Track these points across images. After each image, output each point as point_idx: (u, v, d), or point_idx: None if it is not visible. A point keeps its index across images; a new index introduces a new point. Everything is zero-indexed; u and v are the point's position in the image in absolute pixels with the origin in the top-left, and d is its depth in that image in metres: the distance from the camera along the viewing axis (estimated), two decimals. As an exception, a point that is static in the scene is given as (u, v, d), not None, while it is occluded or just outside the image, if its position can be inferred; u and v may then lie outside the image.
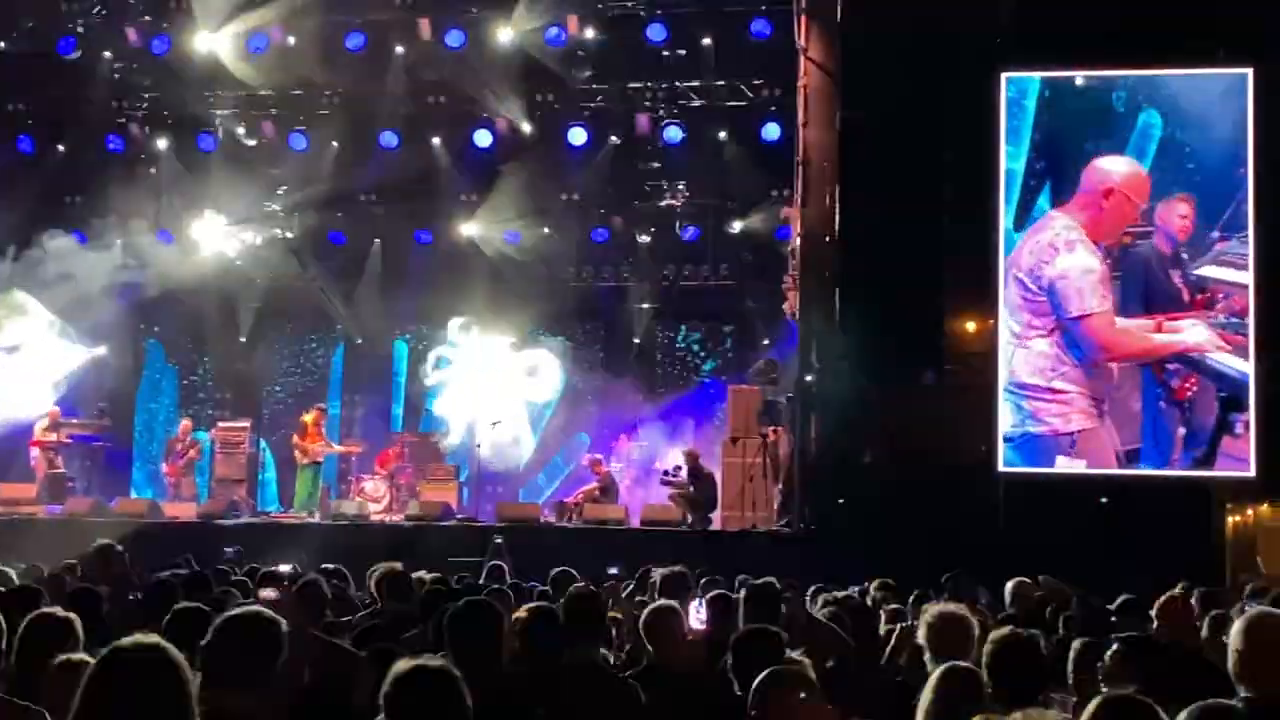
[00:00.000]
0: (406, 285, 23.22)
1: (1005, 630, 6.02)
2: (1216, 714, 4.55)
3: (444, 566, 12.71)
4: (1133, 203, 16.11)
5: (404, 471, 20.97)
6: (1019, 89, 16.64)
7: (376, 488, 20.68)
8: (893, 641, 6.49)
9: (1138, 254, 16.21)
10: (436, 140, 22.15)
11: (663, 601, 6.89)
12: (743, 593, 7.73)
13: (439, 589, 8.79)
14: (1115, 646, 6.35)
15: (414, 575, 9.63)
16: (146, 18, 21.46)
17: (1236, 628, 5.35)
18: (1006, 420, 16.31)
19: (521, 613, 6.57)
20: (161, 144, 22.42)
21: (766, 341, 22.01)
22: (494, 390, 22.15)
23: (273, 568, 11.43)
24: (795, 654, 6.24)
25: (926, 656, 6.06)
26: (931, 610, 6.32)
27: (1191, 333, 16.06)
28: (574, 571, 10.28)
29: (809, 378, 17.54)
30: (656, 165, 22.30)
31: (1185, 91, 16.46)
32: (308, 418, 20.78)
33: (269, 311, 23.73)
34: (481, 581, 11.19)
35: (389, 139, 21.79)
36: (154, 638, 4.09)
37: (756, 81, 20.70)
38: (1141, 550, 15.28)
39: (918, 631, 6.37)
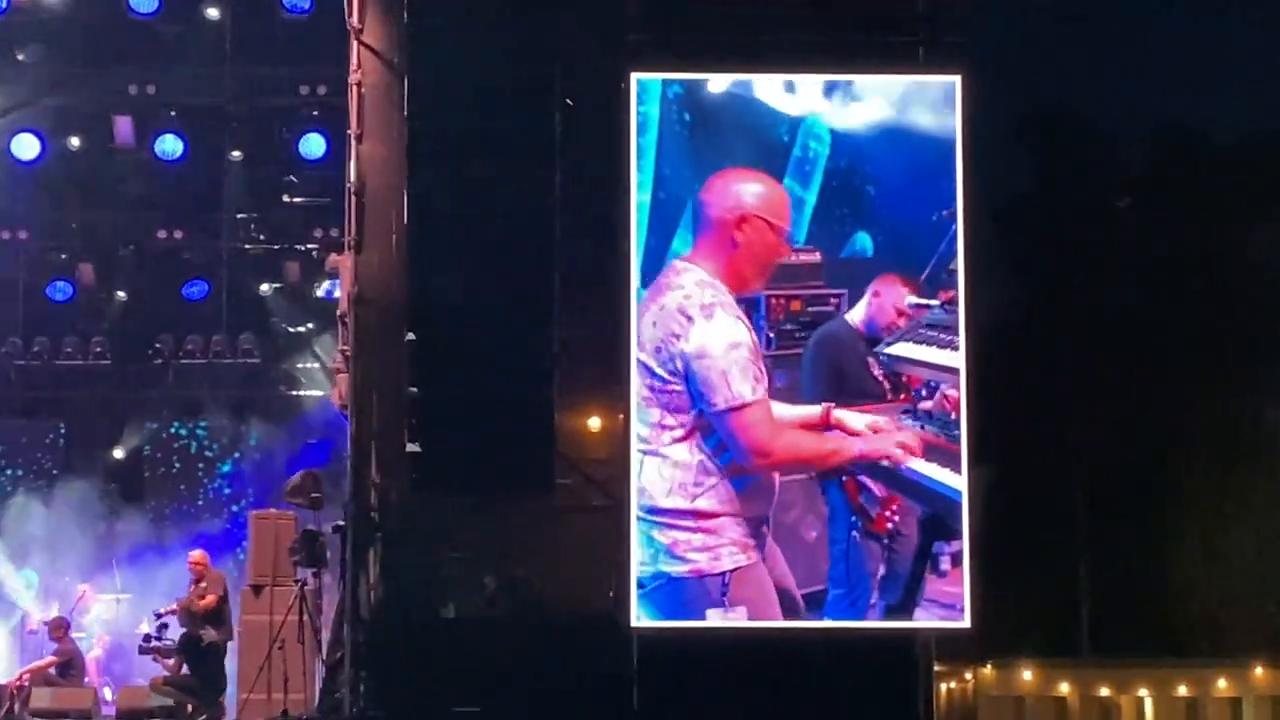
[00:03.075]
0: None
1: None
2: None
3: None
4: (775, 228, 16.17)
5: None
6: (648, 96, 16.77)
7: None
8: None
9: (819, 330, 16.43)
10: None
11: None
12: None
13: None
14: None
15: None
16: None
17: None
18: (635, 557, 16.46)
19: None
20: None
21: (311, 442, 21.87)
22: None
23: None
24: None
25: None
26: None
27: (878, 437, 16.40)
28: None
29: (368, 498, 17.44)
30: (145, 190, 21.95)
31: (868, 103, 16.89)
32: None
33: None
34: None
35: None
36: None
37: (289, 73, 20.66)
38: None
39: None
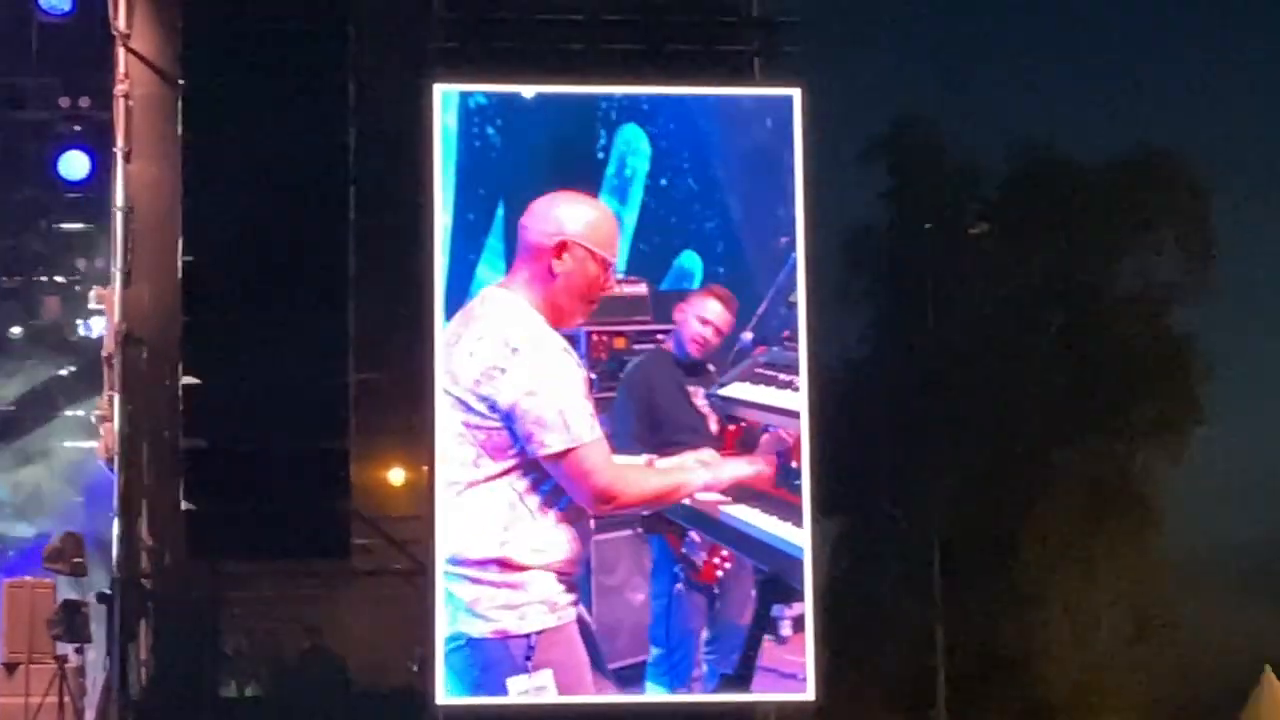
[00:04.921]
0: None
1: None
2: None
3: None
4: (598, 258, 15.96)
5: None
6: (447, 108, 16.86)
7: None
8: None
9: (639, 365, 16.46)
10: None
11: None
12: None
13: None
14: None
15: None
16: None
17: None
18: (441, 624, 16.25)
19: None
20: None
21: (79, 500, 21.71)
22: None
23: None
24: None
25: None
26: None
27: (718, 465, 16.35)
28: None
29: (137, 563, 17.33)
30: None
31: (693, 118, 17.05)
32: None
33: None
34: None
35: None
36: None
37: (46, 83, 20.51)
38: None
39: None
